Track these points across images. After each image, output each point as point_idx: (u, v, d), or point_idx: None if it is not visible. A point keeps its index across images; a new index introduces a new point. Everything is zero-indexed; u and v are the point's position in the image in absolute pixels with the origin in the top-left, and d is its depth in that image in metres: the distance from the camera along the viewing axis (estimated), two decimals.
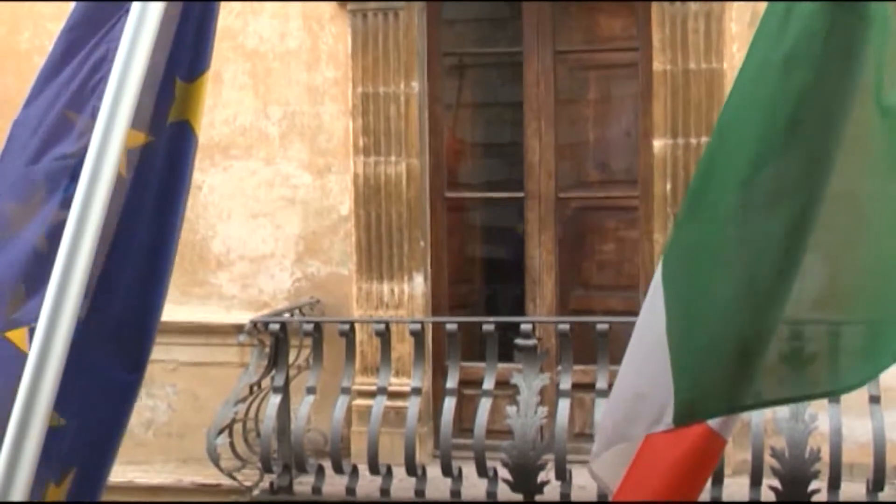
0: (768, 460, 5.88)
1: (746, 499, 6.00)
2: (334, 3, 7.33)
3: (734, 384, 2.39)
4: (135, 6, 1.90)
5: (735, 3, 6.67)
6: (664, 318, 2.53)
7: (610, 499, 2.90)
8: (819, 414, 5.82)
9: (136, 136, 2.31)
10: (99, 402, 2.36)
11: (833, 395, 3.02)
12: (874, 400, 5.87)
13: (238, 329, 6.71)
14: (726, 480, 6.04)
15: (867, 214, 2.30)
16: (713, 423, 2.55)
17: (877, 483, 5.81)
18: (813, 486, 5.82)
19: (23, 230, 2.38)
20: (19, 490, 1.67)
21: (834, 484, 5.85)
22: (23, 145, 2.50)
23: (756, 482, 5.97)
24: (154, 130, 2.34)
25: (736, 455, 6.60)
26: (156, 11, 1.88)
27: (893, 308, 2.22)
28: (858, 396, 5.96)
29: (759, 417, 5.99)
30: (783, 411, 5.87)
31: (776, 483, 5.86)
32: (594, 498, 6.01)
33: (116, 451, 2.39)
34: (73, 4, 2.60)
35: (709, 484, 5.98)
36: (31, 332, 2.26)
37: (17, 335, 2.30)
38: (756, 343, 2.34)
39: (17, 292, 2.35)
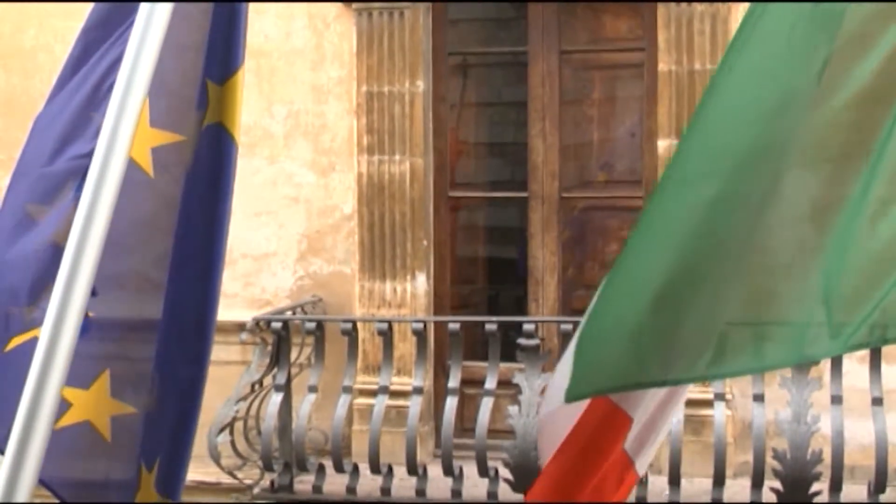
0: (770, 462, 5.88)
1: (748, 500, 5.99)
2: (339, 3, 7.33)
3: (628, 362, 2.41)
4: (143, 6, 1.90)
5: (741, 5, 6.66)
6: (595, 299, 2.60)
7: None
8: (821, 416, 5.82)
9: (162, 135, 2.34)
10: (171, 395, 2.43)
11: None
12: (876, 402, 5.87)
13: (240, 327, 6.70)
14: (728, 482, 6.04)
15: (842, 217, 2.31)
16: (615, 397, 2.62)
17: (878, 485, 5.81)
18: (814, 487, 5.81)
19: (42, 230, 2.43)
20: (23, 490, 1.67)
21: (835, 486, 5.85)
22: (41, 145, 2.54)
23: (757, 484, 5.97)
24: (185, 130, 2.37)
25: (737, 456, 6.60)
26: (164, 11, 1.88)
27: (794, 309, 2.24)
28: (861, 399, 5.96)
29: (761, 419, 5.99)
30: (786, 413, 5.87)
31: (777, 485, 5.85)
32: None
33: (191, 442, 2.47)
34: (75, 2, 2.62)
35: (710, 485, 5.99)
36: None
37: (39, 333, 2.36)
38: (649, 323, 2.36)
39: (38, 292, 2.39)
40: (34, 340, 2.38)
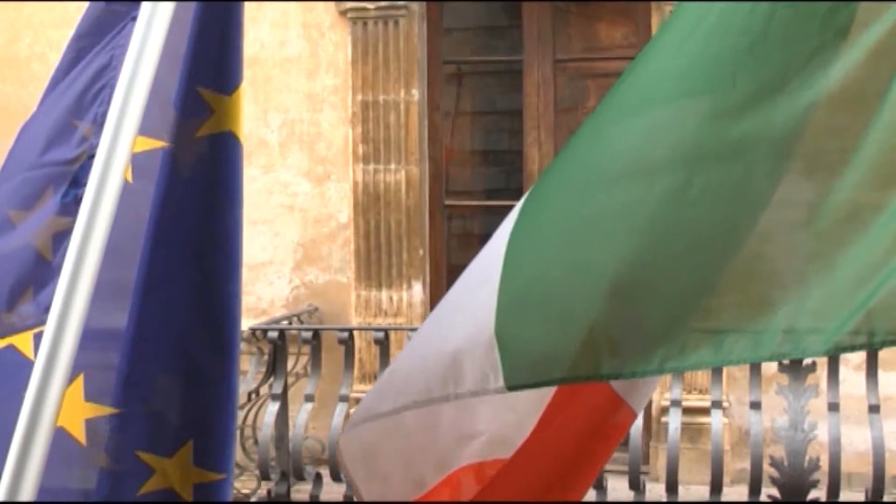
0: (767, 469, 5.87)
1: None
2: (334, 11, 7.34)
3: (577, 353, 2.34)
4: (144, 7, 1.90)
5: None
6: (498, 278, 2.48)
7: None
8: (819, 423, 5.82)
9: (143, 141, 2.35)
10: (195, 385, 2.46)
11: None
12: (873, 409, 5.86)
13: None
14: (725, 489, 6.03)
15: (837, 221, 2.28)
16: (619, 390, 2.56)
17: (876, 492, 5.80)
18: (812, 495, 5.81)
19: (22, 235, 2.43)
20: (27, 491, 1.68)
21: (833, 493, 5.84)
22: (26, 151, 2.55)
23: (755, 491, 5.96)
24: (165, 135, 2.38)
25: (734, 464, 6.60)
26: (165, 14, 1.88)
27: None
28: (858, 406, 5.96)
29: (757, 427, 5.98)
30: (782, 420, 5.86)
31: (775, 492, 5.85)
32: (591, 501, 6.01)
33: (229, 423, 2.49)
34: (71, 9, 2.63)
35: (707, 492, 5.98)
36: (36, 337, 2.32)
37: (19, 340, 2.35)
38: (604, 315, 2.31)
39: (16, 297, 2.40)
40: (9, 348, 2.39)
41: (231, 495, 2.46)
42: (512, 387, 2.40)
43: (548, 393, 2.70)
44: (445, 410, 2.71)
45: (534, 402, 2.71)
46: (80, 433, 2.39)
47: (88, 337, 2.40)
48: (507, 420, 2.75)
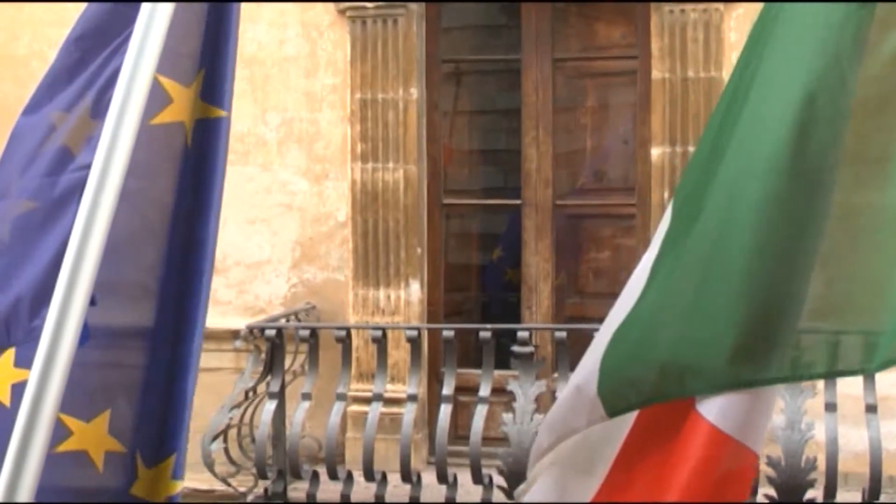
0: (764, 469, 5.87)
1: None
2: (333, 10, 7.34)
3: (669, 373, 2.33)
4: (144, 8, 1.90)
5: (734, 12, 6.69)
6: (625, 312, 2.48)
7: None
8: (815, 423, 5.83)
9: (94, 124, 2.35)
10: (122, 355, 2.51)
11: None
12: (871, 409, 5.86)
13: (234, 334, 6.69)
14: None
15: (862, 224, 2.28)
16: (725, 427, 2.46)
17: (872, 492, 5.81)
18: (808, 495, 5.81)
19: (46, 241, 2.44)
20: (25, 490, 1.69)
21: (830, 493, 5.84)
22: (31, 152, 2.52)
23: (752, 491, 5.97)
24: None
25: None
26: (164, 14, 1.89)
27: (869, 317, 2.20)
28: (855, 406, 5.96)
29: None
30: (780, 420, 5.87)
31: (772, 492, 5.85)
32: None
33: (151, 402, 2.55)
34: (71, 9, 2.59)
35: None
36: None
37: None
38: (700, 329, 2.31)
39: (39, 300, 2.41)
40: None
41: (136, 472, 2.50)
42: (611, 414, 2.44)
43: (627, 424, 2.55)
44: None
45: (616, 431, 2.58)
46: (6, 397, 2.42)
47: (23, 309, 2.43)
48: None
